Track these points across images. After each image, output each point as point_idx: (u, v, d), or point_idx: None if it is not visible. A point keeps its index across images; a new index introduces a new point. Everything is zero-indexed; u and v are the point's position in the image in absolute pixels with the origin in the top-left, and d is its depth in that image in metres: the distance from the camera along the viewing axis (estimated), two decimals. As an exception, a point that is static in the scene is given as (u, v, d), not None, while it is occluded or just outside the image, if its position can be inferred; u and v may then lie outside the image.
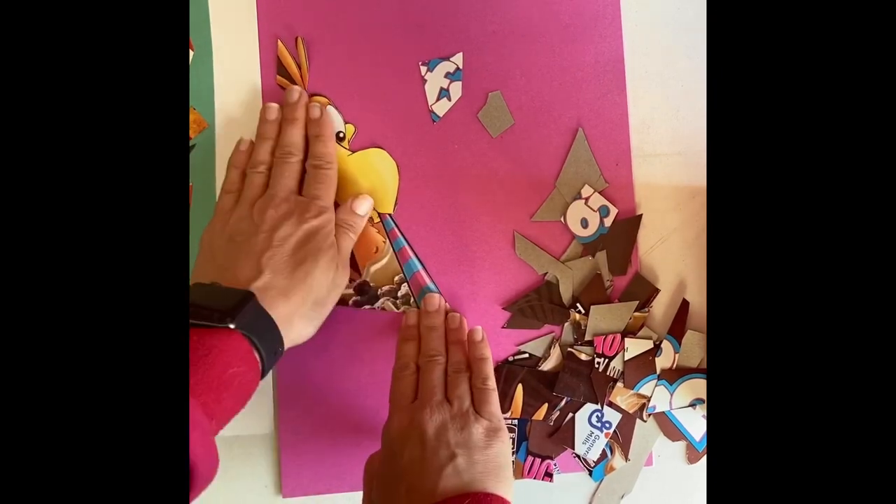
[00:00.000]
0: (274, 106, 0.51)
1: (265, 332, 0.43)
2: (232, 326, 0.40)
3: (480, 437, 0.44)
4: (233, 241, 0.47)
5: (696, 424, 0.54)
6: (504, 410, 0.53)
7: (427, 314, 0.51)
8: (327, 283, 0.48)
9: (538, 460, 0.54)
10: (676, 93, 0.55)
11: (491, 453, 0.44)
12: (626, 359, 0.54)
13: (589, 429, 0.54)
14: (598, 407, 0.54)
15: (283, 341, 0.44)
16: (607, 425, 0.54)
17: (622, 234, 0.54)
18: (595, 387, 0.54)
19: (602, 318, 0.54)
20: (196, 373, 0.38)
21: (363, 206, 0.51)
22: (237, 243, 0.47)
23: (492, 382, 0.48)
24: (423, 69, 0.53)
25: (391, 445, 0.45)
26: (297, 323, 0.46)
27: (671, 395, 0.54)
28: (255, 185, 0.49)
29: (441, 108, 0.53)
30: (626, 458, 0.54)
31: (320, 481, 0.53)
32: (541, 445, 0.54)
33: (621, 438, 0.54)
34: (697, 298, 0.55)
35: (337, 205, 0.51)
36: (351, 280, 0.53)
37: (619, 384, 0.54)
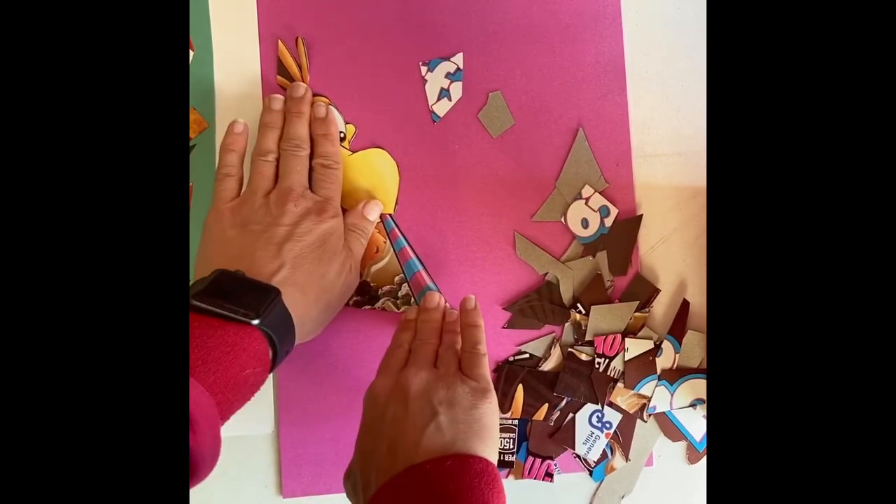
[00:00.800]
0: (279, 97, 0.51)
1: (284, 333, 0.42)
2: (255, 323, 0.40)
3: (466, 397, 0.43)
4: (248, 229, 0.46)
5: (696, 425, 0.54)
6: (504, 410, 0.53)
7: (426, 311, 0.51)
8: (340, 286, 0.48)
9: (538, 460, 0.54)
10: (676, 93, 0.55)
11: (476, 414, 0.42)
12: (626, 359, 0.54)
13: (589, 429, 0.54)
14: (599, 407, 0.54)
15: (295, 341, 0.44)
16: (608, 425, 0.54)
17: (622, 235, 0.54)
18: (595, 387, 0.54)
19: (602, 318, 0.54)
20: (216, 370, 0.37)
21: (374, 212, 0.52)
22: (254, 232, 0.46)
23: (482, 348, 0.47)
24: (424, 69, 0.53)
25: (374, 406, 0.44)
26: (308, 323, 0.46)
27: (671, 395, 0.54)
28: (264, 174, 0.49)
29: (441, 108, 0.53)
30: (627, 459, 0.54)
31: (320, 481, 0.53)
32: (541, 446, 0.54)
33: (622, 439, 0.54)
34: (698, 299, 0.55)
35: (344, 210, 0.51)
36: (351, 280, 0.53)
37: (620, 384, 0.54)
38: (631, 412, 0.54)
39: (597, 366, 0.54)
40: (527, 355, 0.54)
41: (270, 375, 0.52)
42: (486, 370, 0.46)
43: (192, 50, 0.52)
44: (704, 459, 0.55)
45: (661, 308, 0.55)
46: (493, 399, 0.44)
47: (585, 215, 0.54)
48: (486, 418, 0.43)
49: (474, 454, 0.40)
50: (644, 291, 0.54)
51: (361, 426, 0.44)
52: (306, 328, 0.46)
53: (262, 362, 0.40)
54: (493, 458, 0.42)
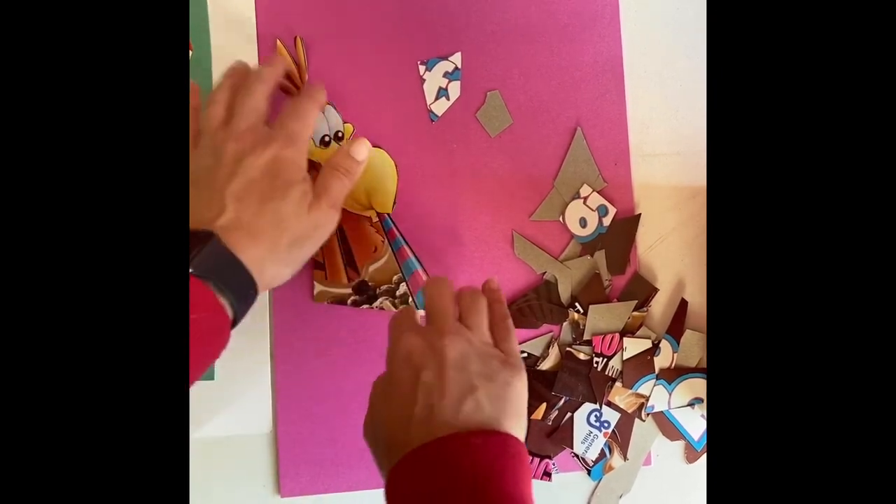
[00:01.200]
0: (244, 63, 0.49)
1: (230, 276, 0.40)
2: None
3: (502, 374, 0.41)
4: (192, 179, 0.43)
5: (694, 424, 0.55)
6: (503, 410, 0.53)
7: (435, 281, 0.47)
8: (303, 223, 0.44)
9: (537, 460, 0.54)
10: (676, 93, 0.55)
11: (512, 392, 0.40)
12: (624, 358, 0.54)
13: (587, 428, 0.54)
14: (597, 406, 0.54)
15: (255, 284, 0.41)
16: (606, 425, 0.54)
17: (621, 234, 0.54)
18: (594, 386, 0.54)
19: (601, 317, 0.54)
20: None
21: (362, 152, 0.47)
22: (197, 182, 0.43)
23: (510, 322, 0.45)
24: (422, 69, 0.53)
25: (408, 366, 0.41)
26: (271, 266, 0.43)
27: (670, 394, 0.54)
28: (211, 116, 0.45)
29: (439, 107, 0.53)
30: (625, 458, 0.54)
31: (319, 481, 0.53)
32: (539, 445, 0.54)
33: (620, 438, 0.54)
34: (696, 298, 0.55)
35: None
36: (349, 280, 0.53)
37: (618, 384, 0.54)
38: (629, 411, 0.54)
39: (595, 365, 0.54)
40: (525, 354, 0.54)
41: (269, 376, 0.52)
42: (517, 345, 0.44)
43: (192, 50, 0.52)
44: (703, 458, 0.55)
45: (660, 307, 0.55)
46: (524, 377, 0.42)
47: (584, 215, 0.54)
48: (520, 399, 0.41)
49: (511, 434, 0.39)
50: (642, 291, 0.54)
51: (387, 384, 0.42)
52: (269, 272, 0.43)
53: (209, 308, 0.39)
54: (523, 440, 0.40)
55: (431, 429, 0.38)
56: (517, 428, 0.40)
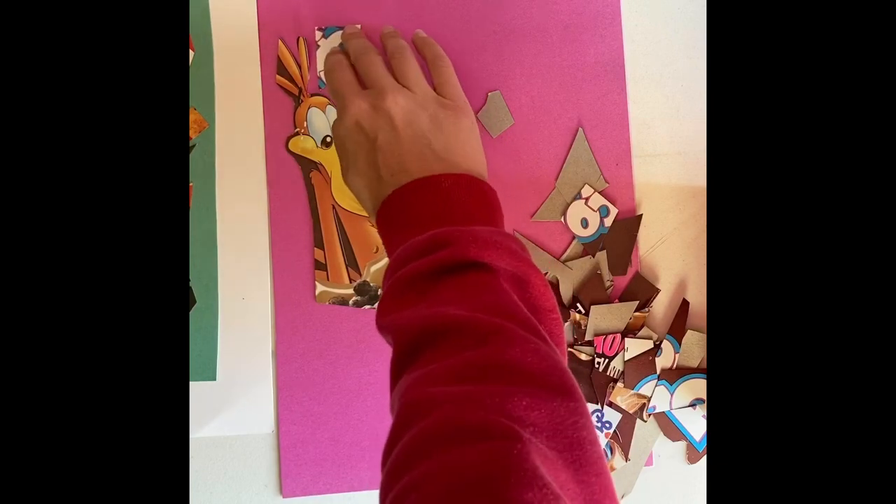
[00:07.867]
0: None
1: None
2: None
3: (449, 119, 0.44)
4: None
5: (696, 424, 0.54)
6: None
7: (349, 35, 0.50)
8: None
9: (538, 460, 0.54)
10: (676, 92, 0.55)
11: (462, 135, 0.44)
12: (626, 359, 0.54)
13: (589, 429, 0.54)
14: (599, 407, 0.54)
15: None
16: (607, 425, 0.54)
17: (622, 234, 0.54)
18: (595, 387, 0.54)
19: (602, 317, 0.54)
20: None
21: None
22: None
23: (446, 63, 0.48)
24: (318, 34, 0.53)
25: (360, 133, 0.44)
26: None
27: (671, 395, 0.54)
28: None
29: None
30: (627, 459, 0.54)
31: (320, 481, 0.53)
32: (541, 445, 0.54)
33: (621, 438, 0.54)
34: (697, 298, 0.55)
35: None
36: (351, 280, 0.53)
37: (620, 384, 0.54)
38: (630, 412, 0.54)
39: (596, 365, 0.54)
40: (526, 355, 0.54)
41: (270, 377, 0.53)
42: (458, 84, 0.47)
43: (193, 50, 0.52)
44: (704, 459, 0.55)
45: (661, 308, 0.55)
46: (471, 115, 0.46)
47: (585, 215, 0.54)
48: (470, 137, 0.45)
49: (471, 174, 0.42)
50: (644, 291, 0.54)
51: (348, 152, 0.45)
52: None
53: None
54: (484, 174, 0.45)
55: (400, 181, 0.42)
56: (476, 164, 0.44)
